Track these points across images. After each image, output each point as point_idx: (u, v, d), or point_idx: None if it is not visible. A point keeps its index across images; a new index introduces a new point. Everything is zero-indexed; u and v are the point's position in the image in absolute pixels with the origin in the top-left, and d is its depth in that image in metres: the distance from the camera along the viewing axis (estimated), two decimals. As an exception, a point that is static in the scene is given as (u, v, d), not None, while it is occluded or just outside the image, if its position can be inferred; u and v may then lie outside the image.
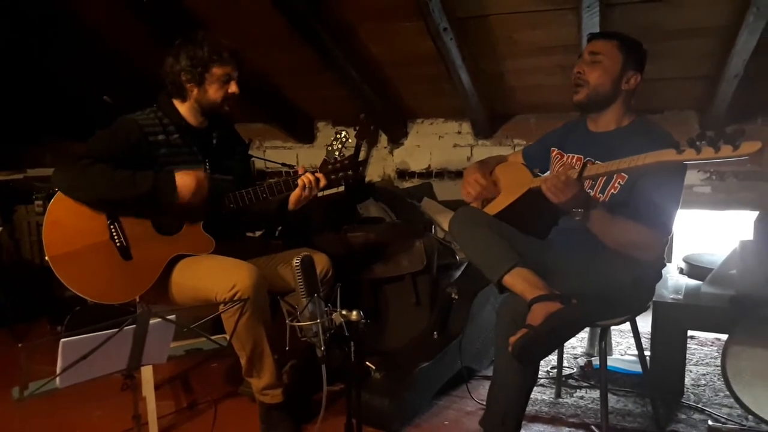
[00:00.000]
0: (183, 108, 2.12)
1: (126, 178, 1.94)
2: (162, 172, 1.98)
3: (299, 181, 2.09)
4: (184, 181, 1.97)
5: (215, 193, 2.05)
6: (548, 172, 2.02)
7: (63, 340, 1.33)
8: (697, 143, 1.42)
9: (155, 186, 1.95)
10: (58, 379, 1.37)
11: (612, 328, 2.38)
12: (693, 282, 2.47)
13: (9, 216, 3.62)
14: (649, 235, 1.72)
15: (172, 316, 1.51)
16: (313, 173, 2.12)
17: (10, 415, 2.29)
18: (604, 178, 1.81)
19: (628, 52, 1.84)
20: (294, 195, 2.12)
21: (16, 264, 3.60)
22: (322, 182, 2.12)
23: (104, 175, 1.93)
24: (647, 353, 2.30)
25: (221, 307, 1.86)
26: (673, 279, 2.55)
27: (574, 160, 1.91)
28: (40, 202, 3.46)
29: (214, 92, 2.07)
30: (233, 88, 2.10)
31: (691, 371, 2.59)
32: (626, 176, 1.77)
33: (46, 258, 1.94)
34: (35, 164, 3.70)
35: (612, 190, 1.80)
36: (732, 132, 1.37)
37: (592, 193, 1.81)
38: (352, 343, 1.50)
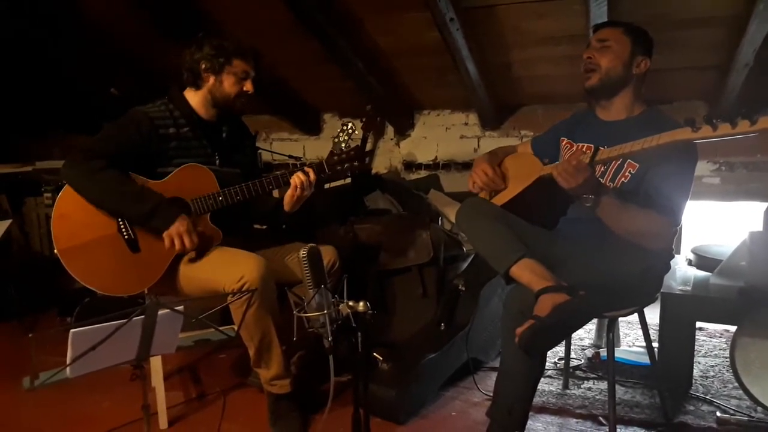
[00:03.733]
0: (195, 100, 2.12)
1: (134, 192, 1.95)
2: (168, 203, 1.97)
3: (291, 181, 2.08)
4: (178, 227, 1.95)
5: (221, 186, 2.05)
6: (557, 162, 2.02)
7: (73, 330, 1.34)
8: (714, 121, 1.41)
9: (155, 210, 1.94)
10: (68, 369, 1.38)
11: (620, 319, 2.37)
12: (702, 273, 2.46)
13: (18, 208, 3.65)
14: (658, 224, 1.71)
15: (180, 307, 1.51)
16: (304, 172, 2.09)
17: (20, 405, 2.32)
18: (615, 166, 1.81)
19: (635, 37, 1.83)
20: (287, 195, 2.11)
21: (26, 256, 3.63)
22: (312, 177, 2.09)
23: (114, 183, 1.94)
24: (655, 345, 2.29)
25: (229, 298, 1.87)
26: (682, 270, 2.54)
27: (584, 149, 1.90)
28: (49, 195, 3.49)
29: (229, 86, 2.08)
30: (249, 86, 2.11)
31: (699, 363, 2.58)
32: (637, 165, 1.77)
33: (55, 251, 1.95)
34: (44, 157, 3.72)
35: (623, 179, 1.80)
36: (746, 111, 1.37)
37: (602, 181, 1.80)
38: (359, 334, 1.50)
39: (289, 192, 2.10)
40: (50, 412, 2.27)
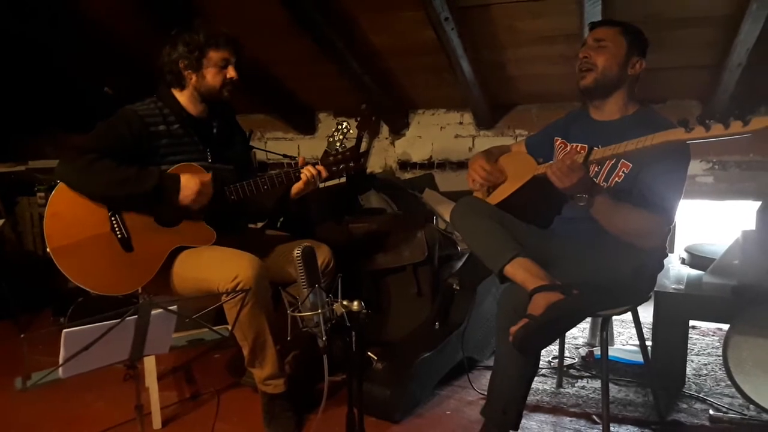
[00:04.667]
0: (183, 97, 2.11)
1: (130, 176, 1.94)
2: (167, 173, 1.98)
3: (302, 176, 2.09)
4: (188, 184, 1.97)
5: (216, 186, 2.04)
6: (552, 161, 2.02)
7: (65, 330, 1.34)
8: (707, 121, 1.41)
9: (159, 185, 1.95)
10: (60, 369, 1.37)
11: (613, 318, 2.38)
12: (695, 272, 2.47)
13: (11, 208, 3.63)
14: (651, 223, 1.72)
15: (173, 307, 1.51)
16: (314, 165, 2.12)
17: (13, 405, 2.31)
18: (609, 166, 1.81)
19: (632, 37, 1.83)
20: (296, 187, 2.12)
21: (19, 256, 3.62)
22: (324, 174, 2.13)
23: (109, 172, 1.94)
24: (649, 343, 2.30)
25: (223, 297, 1.87)
26: (675, 269, 2.55)
27: (578, 149, 1.90)
28: (43, 194, 3.47)
29: (212, 77, 2.07)
30: (231, 72, 2.09)
31: (692, 361, 2.59)
32: (630, 165, 1.77)
33: (48, 250, 1.94)
34: (37, 156, 3.71)
35: (616, 179, 1.80)
36: (739, 111, 1.37)
37: (596, 181, 1.80)
38: (353, 334, 1.50)
39: (298, 185, 2.11)
40: (43, 413, 2.26)
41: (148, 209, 2.02)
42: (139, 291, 2.04)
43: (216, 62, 2.06)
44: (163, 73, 2.10)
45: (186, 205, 1.98)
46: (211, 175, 2.03)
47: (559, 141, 2.01)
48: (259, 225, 3.03)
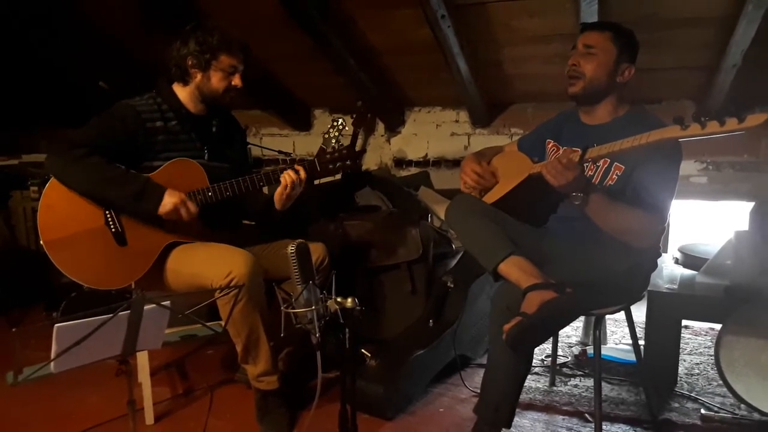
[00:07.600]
0: (183, 94, 2.10)
1: (118, 176, 1.93)
2: (154, 182, 1.96)
3: (281, 179, 2.05)
4: (171, 199, 1.94)
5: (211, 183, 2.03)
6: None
7: (57, 325, 1.33)
8: (702, 118, 1.42)
9: (143, 190, 1.93)
10: (52, 364, 1.36)
11: (607, 317, 2.39)
12: (688, 272, 2.48)
13: (4, 202, 3.62)
14: (645, 222, 1.72)
15: (166, 302, 1.50)
16: (294, 170, 2.06)
17: (4, 400, 2.30)
18: (603, 168, 1.82)
19: (622, 44, 1.83)
20: (277, 193, 2.08)
21: (12, 250, 3.60)
22: (302, 175, 2.07)
23: (96, 170, 1.92)
24: (641, 342, 2.31)
25: (217, 293, 1.86)
26: (668, 268, 2.56)
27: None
28: (36, 188, 3.45)
29: (217, 81, 2.06)
30: (237, 80, 2.08)
31: (684, 360, 2.60)
32: (623, 167, 1.78)
33: (41, 242, 1.93)
34: (30, 150, 3.69)
35: (610, 181, 1.80)
36: (734, 109, 1.38)
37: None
38: (347, 331, 1.50)
39: (279, 190, 2.07)
40: (35, 408, 2.26)
41: (129, 211, 1.99)
42: (133, 286, 2.03)
43: (225, 67, 2.05)
44: (167, 67, 2.08)
45: (163, 215, 1.95)
46: (187, 197, 1.99)
47: (551, 144, 2.01)
48: (255, 222, 3.03)
